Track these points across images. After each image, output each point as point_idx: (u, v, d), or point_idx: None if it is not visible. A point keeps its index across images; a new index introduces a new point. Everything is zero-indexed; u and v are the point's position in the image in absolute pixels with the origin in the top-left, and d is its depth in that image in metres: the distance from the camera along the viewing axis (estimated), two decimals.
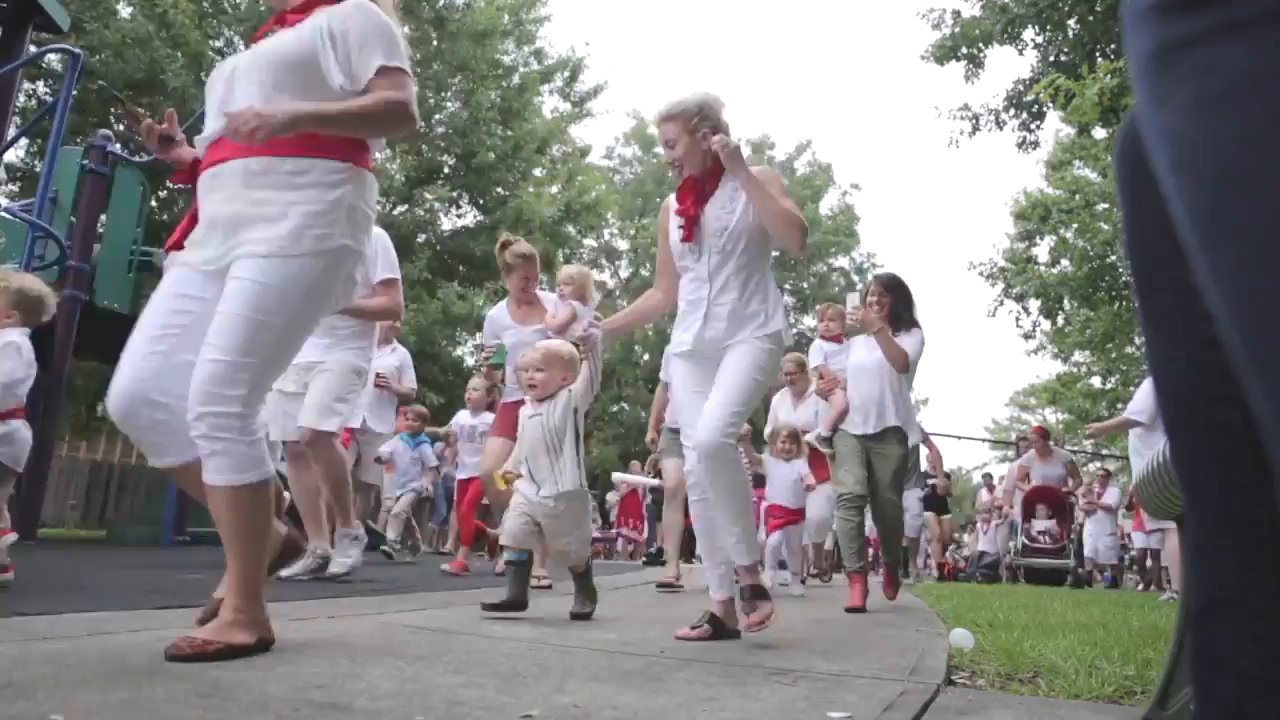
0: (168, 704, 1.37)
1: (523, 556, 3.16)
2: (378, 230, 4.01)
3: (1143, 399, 6.32)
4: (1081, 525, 10.58)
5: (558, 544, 3.20)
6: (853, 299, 4.59)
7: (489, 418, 6.17)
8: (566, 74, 18.21)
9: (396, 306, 4.32)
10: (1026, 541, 10.40)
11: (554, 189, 17.54)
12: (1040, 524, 10.35)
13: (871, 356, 4.50)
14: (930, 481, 10.53)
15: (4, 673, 1.50)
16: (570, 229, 18.06)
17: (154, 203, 12.43)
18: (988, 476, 15.54)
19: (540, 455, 3.12)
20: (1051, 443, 10.70)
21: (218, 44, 14.23)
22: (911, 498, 8.23)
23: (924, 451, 8.80)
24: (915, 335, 4.50)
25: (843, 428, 4.66)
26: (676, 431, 5.05)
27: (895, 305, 4.55)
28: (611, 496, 13.43)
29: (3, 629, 1.98)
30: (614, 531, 13.05)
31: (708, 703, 1.65)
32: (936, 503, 10.60)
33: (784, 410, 6.35)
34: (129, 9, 13.22)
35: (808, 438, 5.95)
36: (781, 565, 5.73)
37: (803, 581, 6.04)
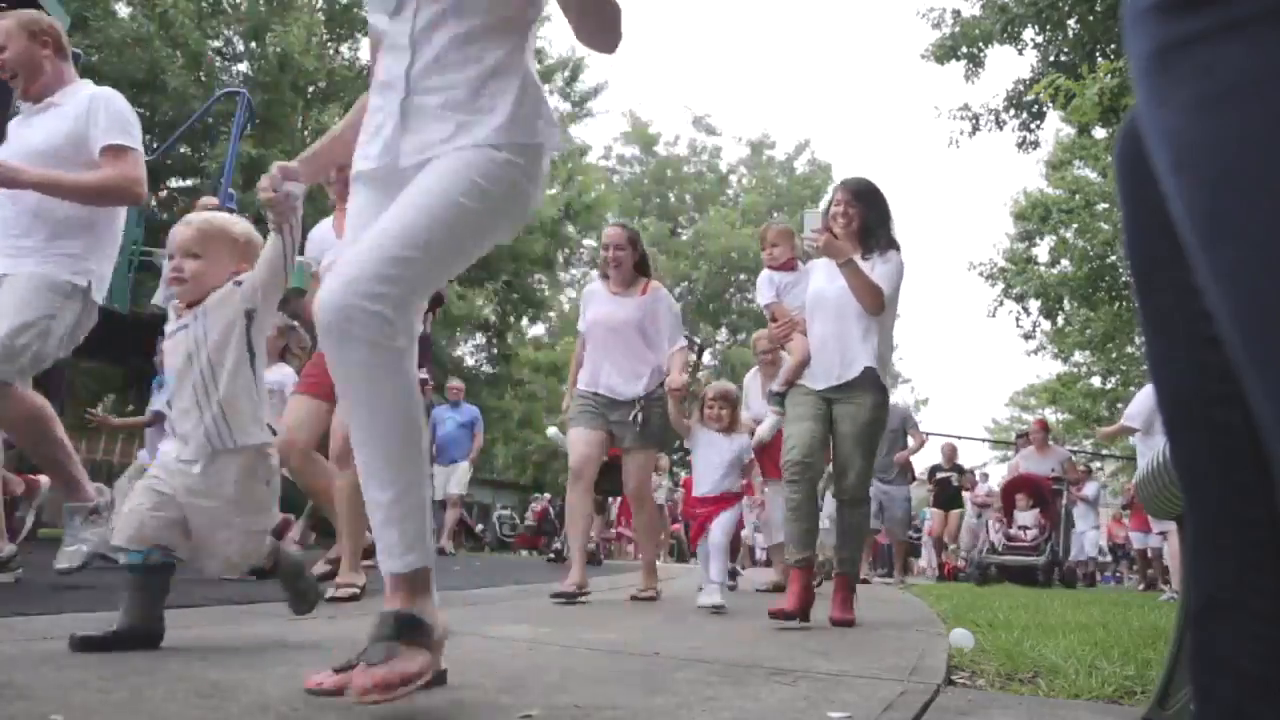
0: (168, 704, 1.37)
1: (151, 556, 1.88)
2: (101, 90, 3.15)
3: (1139, 404, 6.45)
4: (1067, 515, 9.83)
5: (204, 544, 1.93)
6: (810, 217, 3.44)
7: (284, 373, 4.68)
8: (566, 74, 18.21)
9: (126, 182, 2.98)
10: (1004, 538, 9.56)
11: (554, 189, 17.54)
12: (1022, 516, 9.53)
13: (833, 285, 3.47)
14: (941, 475, 10.21)
15: (4, 673, 1.50)
16: (570, 229, 18.07)
17: (154, 203, 12.43)
18: (970, 472, 15.32)
19: (186, 392, 1.91)
20: (1051, 439, 10.40)
21: (217, 44, 14.23)
22: (898, 492, 7.65)
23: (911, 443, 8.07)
24: (892, 261, 3.48)
25: (800, 382, 3.59)
26: (588, 395, 4.22)
27: (867, 219, 3.53)
28: None
29: (3, 629, 1.98)
30: (613, 531, 13.02)
31: (708, 703, 1.65)
32: (946, 497, 10.26)
33: (755, 397, 5.28)
34: (128, 9, 13.22)
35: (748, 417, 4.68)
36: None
37: (731, 587, 4.73)
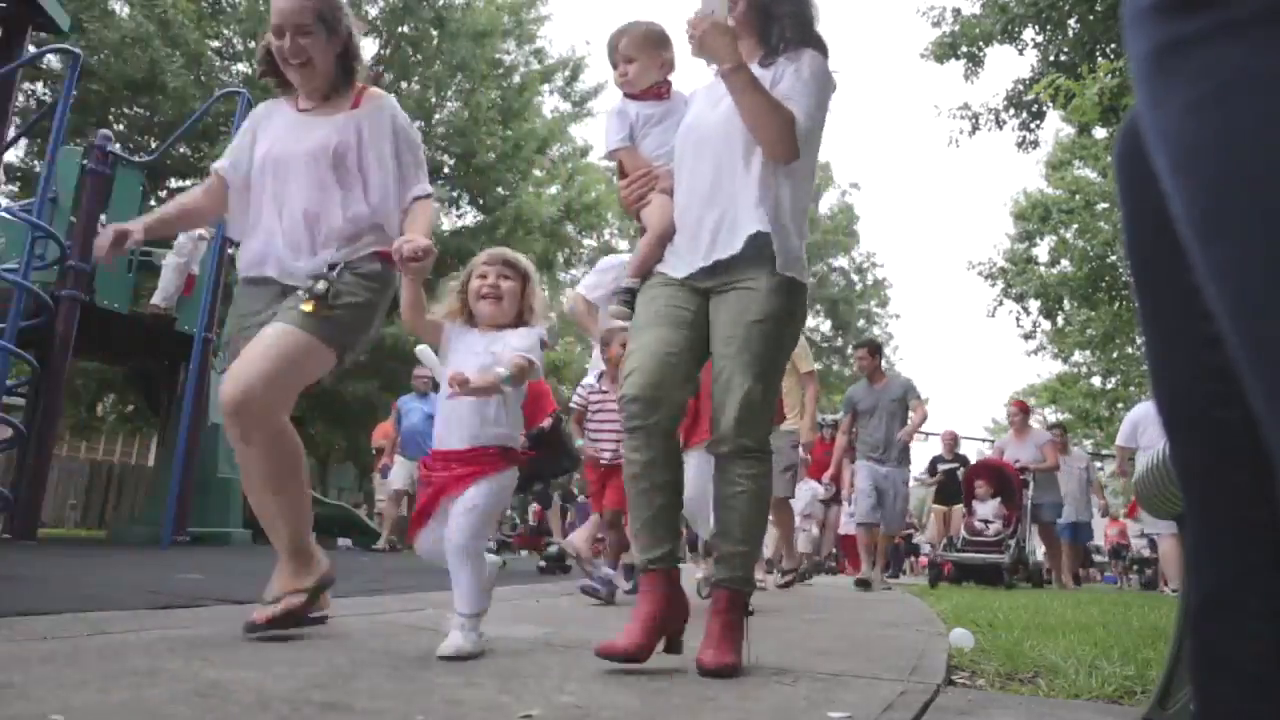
0: (168, 704, 1.37)
1: None
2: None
3: (1124, 424, 7.37)
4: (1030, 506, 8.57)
5: None
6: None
7: None
8: (567, 74, 18.22)
9: None
10: (965, 533, 8.47)
11: (554, 189, 17.55)
12: (981, 508, 8.46)
13: (715, 112, 2.21)
14: (944, 466, 9.54)
15: (4, 673, 1.50)
16: (570, 229, 18.07)
17: (154, 203, 12.45)
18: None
19: None
20: (1034, 422, 9.30)
21: (217, 44, 14.24)
22: (896, 477, 6.75)
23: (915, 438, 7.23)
24: (807, 68, 2.16)
25: (659, 269, 2.28)
26: (250, 284, 2.44)
27: None
28: None
29: (3, 629, 1.98)
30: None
31: (708, 703, 1.65)
32: (948, 491, 9.42)
33: None
34: (126, 9, 13.23)
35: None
36: None
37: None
